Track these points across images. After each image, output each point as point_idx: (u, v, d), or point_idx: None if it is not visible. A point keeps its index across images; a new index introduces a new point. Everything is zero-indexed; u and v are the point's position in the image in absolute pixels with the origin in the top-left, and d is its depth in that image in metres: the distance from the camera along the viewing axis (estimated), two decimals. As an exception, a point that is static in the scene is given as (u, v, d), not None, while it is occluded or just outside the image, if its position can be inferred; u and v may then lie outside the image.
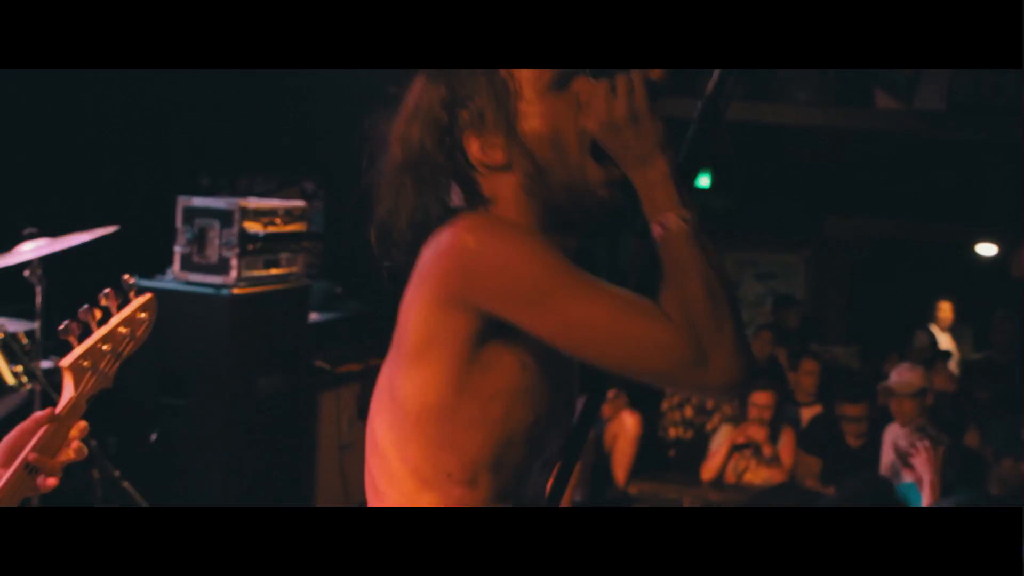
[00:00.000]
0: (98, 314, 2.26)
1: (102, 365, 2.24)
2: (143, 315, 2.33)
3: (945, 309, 9.29)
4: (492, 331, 1.80)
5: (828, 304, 10.80)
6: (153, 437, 5.39)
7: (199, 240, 5.39)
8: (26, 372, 4.70)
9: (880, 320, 9.87)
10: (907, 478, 5.60)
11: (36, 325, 4.92)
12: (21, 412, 4.81)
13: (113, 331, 2.25)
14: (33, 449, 2.11)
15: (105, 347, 2.24)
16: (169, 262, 5.50)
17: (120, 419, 5.36)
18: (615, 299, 1.76)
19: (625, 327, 1.75)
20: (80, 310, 2.22)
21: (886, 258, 10.78)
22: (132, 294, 2.32)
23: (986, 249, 9.85)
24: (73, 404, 2.18)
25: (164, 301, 5.26)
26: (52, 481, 2.12)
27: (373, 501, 1.96)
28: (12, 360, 4.69)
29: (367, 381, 6.39)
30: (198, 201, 5.47)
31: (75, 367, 2.19)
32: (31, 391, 4.76)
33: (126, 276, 2.32)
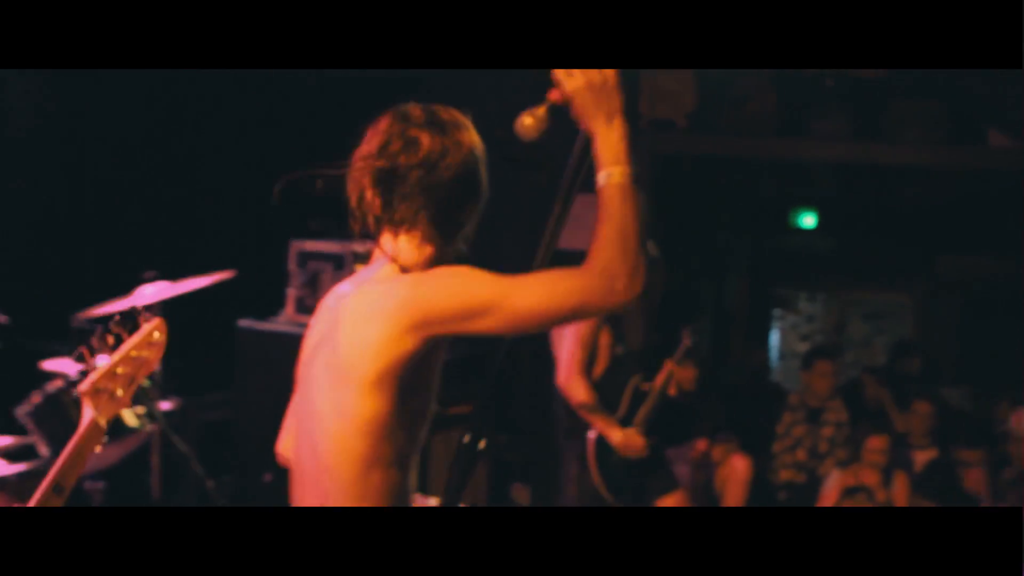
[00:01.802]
0: (111, 340, 2.33)
1: (118, 389, 2.31)
2: (157, 337, 2.39)
3: None
4: (430, 349, 2.30)
5: (938, 345, 10.59)
6: (268, 477, 5.44)
7: (312, 283, 5.46)
8: (147, 414, 4.79)
9: (991, 361, 9.65)
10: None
11: (156, 368, 5.01)
12: (141, 453, 4.90)
13: (127, 355, 2.32)
14: (58, 470, 2.21)
15: (120, 371, 2.31)
16: (282, 305, 5.57)
17: (236, 459, 5.43)
18: (539, 282, 2.31)
19: (554, 298, 2.27)
20: (92, 337, 2.28)
21: (997, 298, 10.55)
22: (143, 319, 2.38)
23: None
24: (93, 426, 2.26)
25: (278, 344, 5.34)
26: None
27: (315, 485, 2.39)
28: (134, 402, 4.79)
29: (478, 423, 6.42)
30: (311, 245, 5.54)
31: (92, 392, 2.27)
32: (150, 433, 4.85)
33: (136, 305, 2.39)
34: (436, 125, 2.44)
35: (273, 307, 5.69)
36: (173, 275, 5.03)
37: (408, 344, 2.28)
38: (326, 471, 2.36)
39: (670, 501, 5.30)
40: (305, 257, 5.50)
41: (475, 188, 2.50)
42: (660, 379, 5.20)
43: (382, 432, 2.32)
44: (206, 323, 5.51)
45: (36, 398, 4.63)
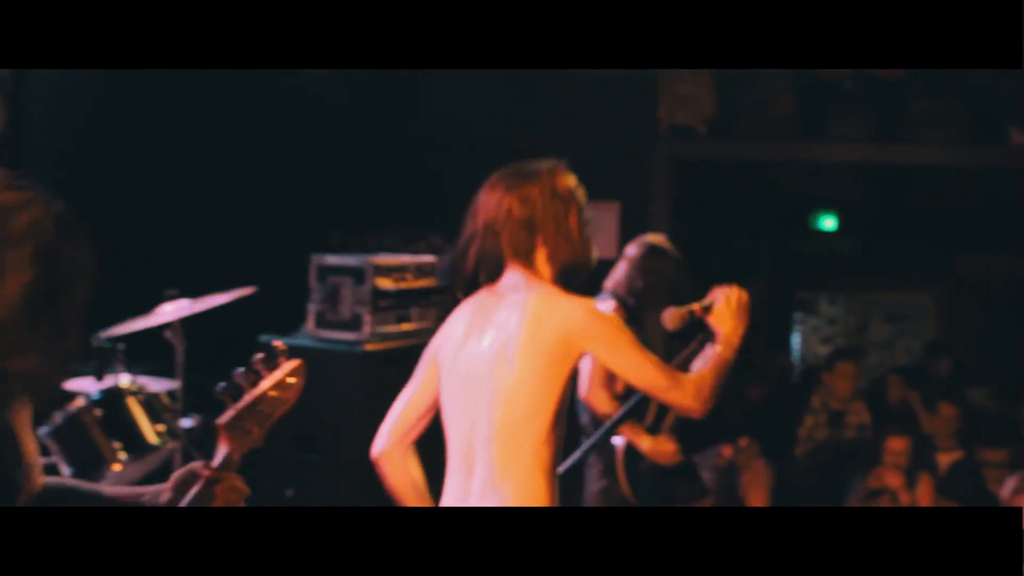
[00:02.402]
0: (251, 377, 2.36)
1: (254, 426, 2.33)
2: (293, 380, 2.42)
3: None
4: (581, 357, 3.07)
5: (960, 344, 10.54)
6: (289, 493, 5.45)
7: (332, 297, 5.47)
8: (168, 431, 4.80)
9: (1015, 360, 9.59)
10: None
11: (177, 384, 5.03)
12: (162, 471, 4.91)
13: (265, 394, 2.34)
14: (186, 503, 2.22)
15: (258, 408, 2.34)
16: (303, 319, 5.59)
17: (256, 476, 5.44)
18: (658, 365, 3.09)
19: (666, 384, 3.08)
20: (236, 373, 2.31)
21: (1019, 296, 10.48)
22: (282, 359, 2.41)
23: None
24: (226, 460, 2.28)
25: (298, 358, 5.35)
26: None
27: (490, 490, 3.01)
28: (154, 419, 4.80)
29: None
30: (331, 259, 5.55)
31: (230, 426, 2.30)
32: (171, 450, 4.86)
33: (277, 343, 2.41)
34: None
35: (294, 322, 5.70)
36: (194, 292, 5.04)
37: (577, 354, 3.04)
38: (519, 434, 3.00)
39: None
40: (325, 271, 5.51)
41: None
42: None
43: (556, 416, 3.02)
44: (228, 339, 5.53)
45: (57, 418, 4.64)
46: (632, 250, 5.15)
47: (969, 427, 7.11)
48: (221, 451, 2.31)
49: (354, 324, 5.43)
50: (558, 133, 7.23)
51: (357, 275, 5.44)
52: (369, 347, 5.41)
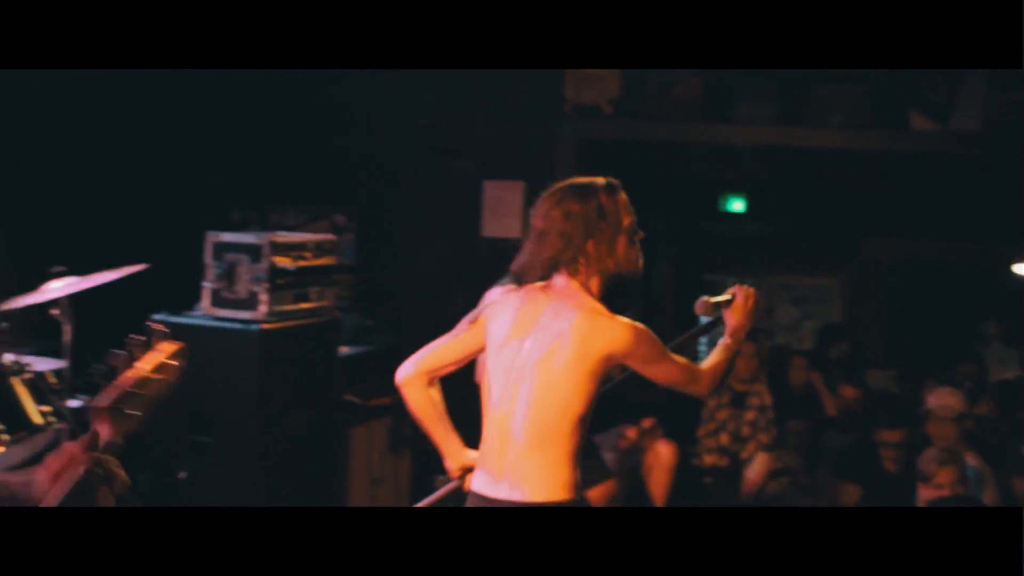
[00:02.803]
0: (128, 359, 2.29)
1: (135, 408, 2.26)
2: (174, 362, 2.36)
3: (993, 327, 9.20)
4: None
5: (865, 328, 10.68)
6: (182, 475, 5.36)
7: (228, 275, 5.38)
8: (54, 412, 4.69)
9: (919, 343, 9.75)
10: (923, 493, 5.51)
11: (65, 364, 4.91)
12: (48, 453, 4.79)
13: (146, 376, 2.28)
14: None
15: (139, 391, 2.28)
16: (199, 298, 5.49)
17: (149, 457, 5.34)
18: (682, 363, 3.48)
19: (686, 378, 3.50)
20: (111, 354, 2.24)
21: (924, 280, 10.65)
22: (161, 341, 2.35)
23: (1022, 269, 9.70)
24: (108, 445, 2.21)
25: (194, 337, 5.25)
26: None
27: (536, 435, 3.36)
28: (40, 400, 4.69)
29: (397, 414, 6.38)
30: (227, 236, 5.46)
31: (112, 409, 2.22)
32: (58, 430, 4.75)
33: (155, 324, 2.34)
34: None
35: (190, 301, 5.60)
36: (85, 270, 4.93)
37: (614, 362, 3.38)
38: (551, 426, 3.35)
39: (601, 490, 5.29)
40: (221, 249, 5.41)
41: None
42: None
43: (589, 405, 3.36)
44: (120, 318, 5.41)
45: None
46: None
47: (868, 409, 7.20)
48: (101, 435, 2.24)
49: (250, 303, 5.35)
50: (464, 112, 7.18)
51: (254, 253, 5.36)
52: (266, 326, 5.34)
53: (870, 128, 7.03)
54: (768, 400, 7.15)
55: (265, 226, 7.22)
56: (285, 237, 5.57)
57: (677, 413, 7.24)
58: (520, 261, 3.46)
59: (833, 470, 6.78)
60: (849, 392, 7.26)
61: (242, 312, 5.36)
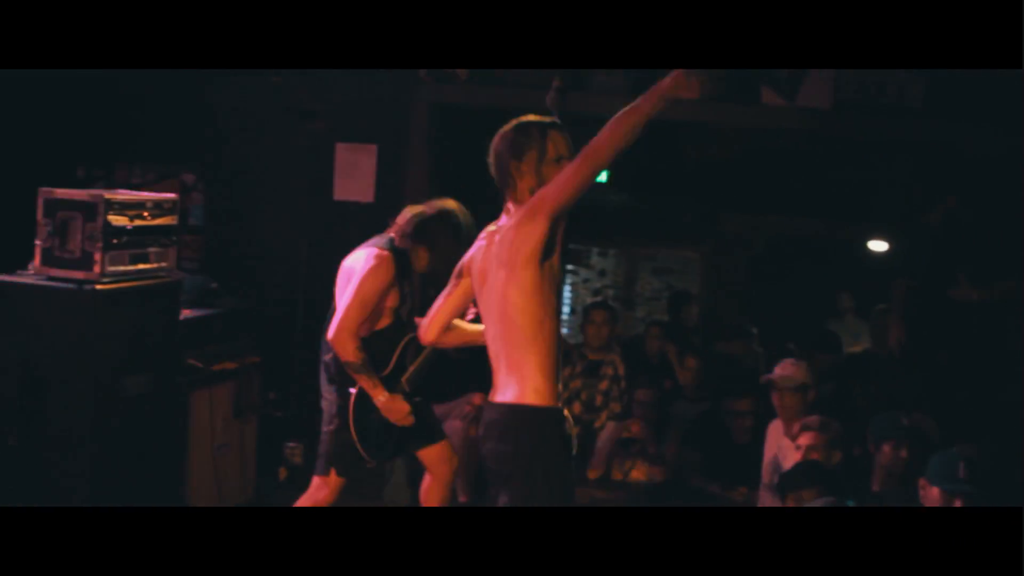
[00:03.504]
0: None
1: None
2: None
3: (846, 300, 9.40)
4: (554, 228, 3.63)
5: (724, 301, 10.82)
6: (13, 441, 5.18)
7: (61, 233, 5.20)
8: None
9: (777, 317, 9.89)
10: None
11: None
12: None
13: None
14: None
15: None
16: (30, 257, 5.30)
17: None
18: (578, 157, 3.61)
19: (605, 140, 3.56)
20: None
21: (781, 255, 10.82)
22: None
23: (878, 245, 9.92)
24: None
25: (24, 297, 5.06)
26: None
27: (508, 342, 3.70)
28: None
29: (243, 379, 6.27)
30: (60, 193, 5.27)
31: None
32: None
33: None
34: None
35: (22, 260, 5.40)
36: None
37: (541, 227, 3.61)
38: (517, 330, 3.65)
39: (433, 452, 5.26)
40: (53, 206, 5.23)
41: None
42: None
43: (543, 292, 3.64)
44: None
45: None
46: (425, 209, 5.11)
47: (718, 379, 7.28)
48: None
49: (85, 262, 5.18)
50: (319, 75, 7.04)
51: (88, 210, 5.18)
52: (100, 287, 5.17)
53: (724, 102, 7.08)
54: (621, 370, 7.19)
55: (110, 183, 7.02)
56: (122, 195, 5.40)
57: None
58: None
59: (682, 440, 6.85)
60: (691, 363, 7.33)
61: (76, 272, 5.18)
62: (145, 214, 5.43)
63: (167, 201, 5.64)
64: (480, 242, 3.94)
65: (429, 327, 4.19)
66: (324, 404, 5.19)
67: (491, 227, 3.92)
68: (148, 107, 7.25)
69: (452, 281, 4.11)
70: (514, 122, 3.88)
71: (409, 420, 5.04)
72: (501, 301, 3.71)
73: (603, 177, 10.51)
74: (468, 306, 4.19)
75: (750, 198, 10.18)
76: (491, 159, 3.86)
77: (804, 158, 9.09)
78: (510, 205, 3.82)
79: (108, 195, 5.26)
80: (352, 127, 7.17)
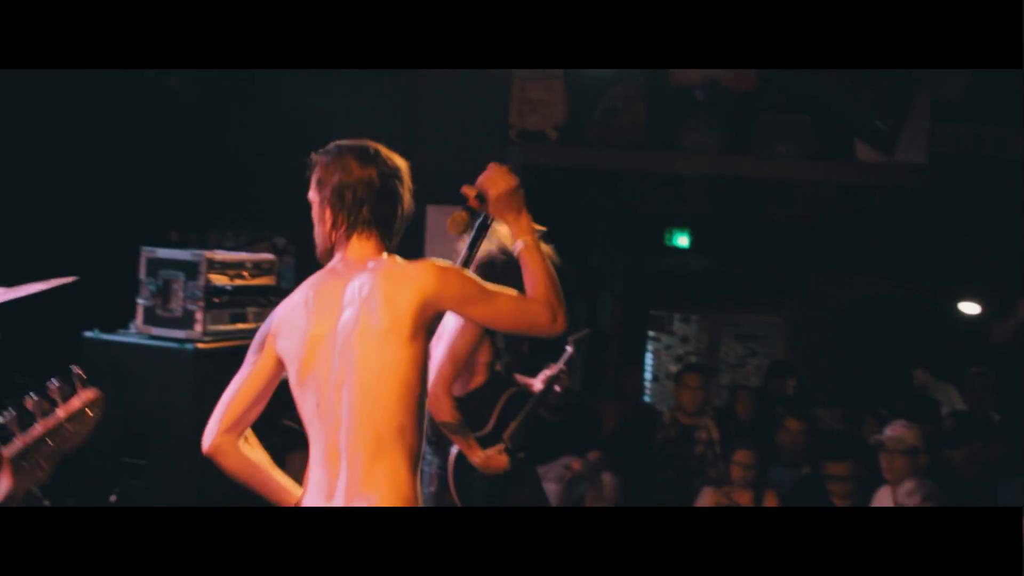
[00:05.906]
0: (45, 406, 2.17)
1: (41, 461, 2.14)
2: (91, 413, 2.24)
3: (920, 375, 9.17)
4: (438, 315, 3.07)
5: (810, 365, 10.66)
6: (113, 499, 5.17)
7: (163, 292, 5.23)
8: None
9: (862, 381, 9.73)
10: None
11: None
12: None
13: (60, 427, 2.16)
14: None
15: (50, 442, 2.16)
16: (132, 316, 5.32)
17: (78, 480, 5.15)
18: (510, 295, 3.07)
19: (519, 309, 3.05)
20: (27, 399, 2.13)
21: (869, 317, 10.66)
22: (80, 388, 2.23)
23: (969, 308, 9.74)
24: (8, 496, 2.09)
25: (126, 355, 5.06)
26: None
27: (367, 422, 3.02)
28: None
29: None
30: (163, 252, 5.31)
31: (16, 461, 2.10)
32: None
33: (76, 368, 2.22)
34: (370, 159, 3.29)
35: (124, 319, 5.43)
36: (13, 282, 4.75)
37: (430, 311, 3.02)
38: (380, 408, 3.00)
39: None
40: (156, 265, 5.26)
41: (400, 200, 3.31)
42: (538, 386, 5.07)
43: (419, 370, 3.04)
44: (50, 334, 5.25)
45: None
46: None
47: (815, 444, 7.13)
48: (3, 486, 2.10)
49: (186, 321, 5.20)
50: (408, 136, 7.06)
51: (190, 270, 5.21)
52: (201, 345, 5.18)
53: (814, 158, 7.03)
54: (716, 435, 7.07)
55: (204, 247, 7.07)
56: (222, 255, 5.42)
57: (624, 447, 7.15)
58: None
59: (783, 504, 6.70)
60: (794, 425, 7.18)
61: (177, 331, 5.20)
62: (244, 274, 5.44)
63: (266, 261, 5.65)
64: (289, 300, 3.26)
65: (216, 426, 3.27)
66: (423, 465, 5.11)
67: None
68: (239, 172, 7.31)
69: (249, 358, 3.33)
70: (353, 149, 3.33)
71: (507, 467, 4.92)
72: (367, 371, 3.03)
73: (685, 242, 10.46)
74: (270, 392, 3.32)
75: (837, 258, 10.06)
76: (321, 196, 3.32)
77: (895, 215, 8.96)
78: (356, 247, 3.21)
79: (209, 255, 5.29)
80: (442, 188, 7.17)
